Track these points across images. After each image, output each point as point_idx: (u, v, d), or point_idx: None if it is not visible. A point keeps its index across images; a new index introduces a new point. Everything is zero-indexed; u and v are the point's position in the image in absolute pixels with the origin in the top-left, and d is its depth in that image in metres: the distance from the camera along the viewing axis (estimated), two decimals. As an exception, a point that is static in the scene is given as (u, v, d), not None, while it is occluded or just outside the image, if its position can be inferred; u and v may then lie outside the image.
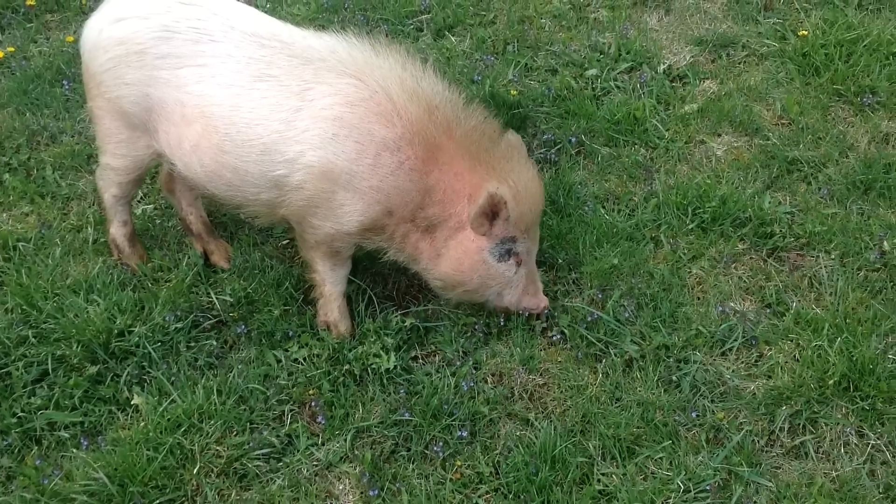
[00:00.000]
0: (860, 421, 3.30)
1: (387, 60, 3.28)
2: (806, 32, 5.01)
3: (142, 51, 3.31)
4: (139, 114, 3.40)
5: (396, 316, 3.67)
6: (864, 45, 4.84)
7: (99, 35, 3.39)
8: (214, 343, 3.60)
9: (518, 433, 3.33)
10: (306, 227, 3.39)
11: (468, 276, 3.40)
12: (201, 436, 3.26)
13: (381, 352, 3.55)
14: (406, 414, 3.34)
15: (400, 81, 3.22)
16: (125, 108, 3.42)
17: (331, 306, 3.60)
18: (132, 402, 3.39)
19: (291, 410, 3.39)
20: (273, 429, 3.32)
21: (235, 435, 3.29)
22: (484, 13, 5.56)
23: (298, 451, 3.26)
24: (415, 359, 3.62)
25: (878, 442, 3.23)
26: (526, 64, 5.13)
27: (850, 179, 4.22)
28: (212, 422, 3.29)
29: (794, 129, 4.55)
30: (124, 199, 3.80)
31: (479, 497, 3.13)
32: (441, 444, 3.25)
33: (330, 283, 3.57)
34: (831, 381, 3.36)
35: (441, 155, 3.24)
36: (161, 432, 3.25)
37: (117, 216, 3.83)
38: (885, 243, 3.88)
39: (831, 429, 3.30)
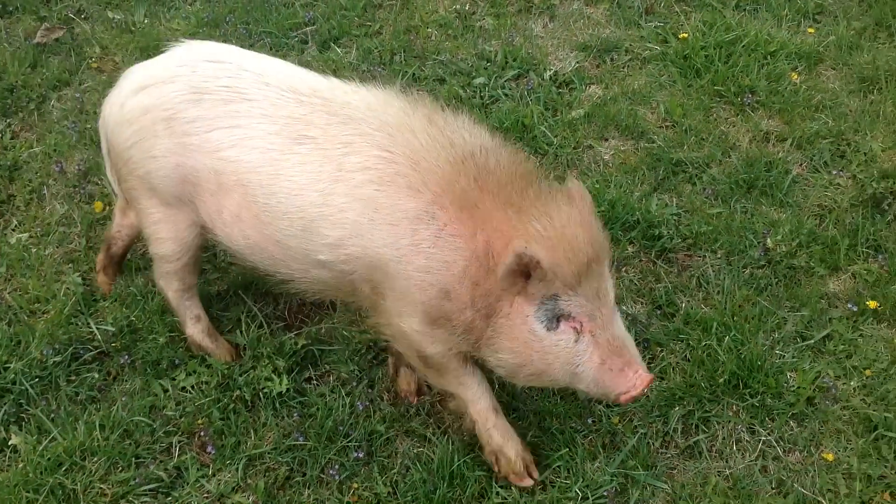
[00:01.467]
0: (751, 418, 3.34)
1: (414, 117, 2.89)
2: (686, 35, 5.10)
3: (170, 117, 2.99)
4: (171, 188, 3.08)
5: (289, 337, 3.58)
6: (743, 46, 4.95)
7: (122, 110, 3.09)
8: (96, 375, 3.46)
9: (416, 450, 3.28)
10: (389, 331, 3.00)
11: (524, 353, 2.76)
12: (84, 474, 3.13)
13: (272, 375, 3.46)
14: (300, 438, 3.26)
15: (427, 140, 2.83)
16: (155, 184, 3.09)
17: (486, 428, 3.08)
18: (10, 443, 3.23)
19: (180, 442, 3.28)
20: (160, 462, 3.20)
21: (120, 471, 3.16)
22: (370, 23, 5.50)
23: (188, 483, 3.15)
24: (308, 380, 3.54)
25: (769, 437, 3.29)
26: (413, 74, 5.09)
27: (734, 179, 4.30)
28: (95, 459, 3.17)
29: (678, 130, 4.62)
30: (189, 292, 3.44)
31: (382, 520, 3.08)
32: (337, 466, 3.18)
33: (470, 402, 3.07)
34: (721, 380, 3.41)
35: (478, 212, 2.75)
36: (41, 473, 3.11)
37: (188, 312, 3.47)
38: (769, 240, 3.95)
39: (723, 427, 3.34)
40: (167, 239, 3.25)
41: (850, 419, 3.32)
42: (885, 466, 3.13)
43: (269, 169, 2.90)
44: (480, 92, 4.94)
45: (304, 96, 2.95)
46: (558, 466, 3.21)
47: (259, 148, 2.91)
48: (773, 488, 3.15)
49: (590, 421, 3.34)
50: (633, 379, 2.72)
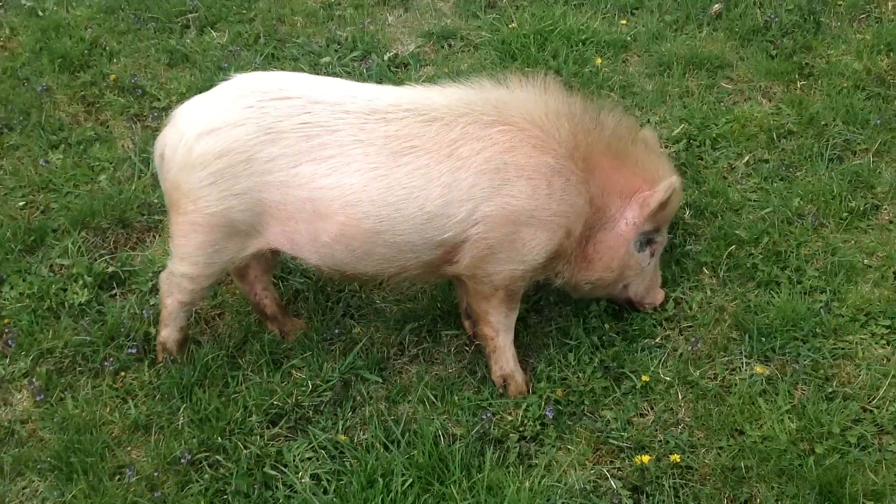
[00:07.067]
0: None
1: (521, 93, 3.41)
2: (514, 25, 5.70)
3: (248, 159, 3.23)
4: (249, 219, 3.34)
5: (101, 259, 4.21)
6: (558, 33, 5.54)
7: (189, 153, 3.26)
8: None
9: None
10: (482, 277, 3.42)
11: (615, 271, 3.58)
12: None
13: (79, 290, 4.06)
14: (87, 337, 3.85)
15: (543, 106, 3.35)
16: (234, 218, 3.32)
17: (506, 357, 3.62)
18: None
19: (-12, 337, 3.88)
20: (-37, 352, 3.81)
21: (-71, 356, 3.77)
22: (245, 11, 6.14)
23: (-18, 367, 3.75)
24: (113, 296, 4.13)
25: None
26: (272, 54, 5.72)
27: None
28: None
29: (490, 105, 5.20)
30: (190, 306, 3.71)
31: (135, 399, 3.66)
32: (112, 359, 3.77)
33: (504, 331, 3.58)
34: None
35: (592, 161, 3.40)
36: None
37: (176, 322, 3.70)
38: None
39: (449, 340, 3.91)
40: (213, 264, 3.48)
41: (551, 332, 3.88)
42: (566, 369, 3.69)
43: (379, 184, 3.21)
44: (325, 69, 5.55)
45: (387, 113, 3.26)
46: (302, 367, 3.78)
47: (360, 170, 3.21)
48: (476, 381, 3.71)
49: (336, 331, 3.92)
50: (660, 296, 3.85)
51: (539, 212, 3.30)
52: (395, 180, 3.21)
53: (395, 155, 3.22)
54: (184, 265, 3.52)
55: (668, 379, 3.59)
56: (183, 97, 4.94)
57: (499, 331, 3.57)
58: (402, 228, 3.27)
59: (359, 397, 3.66)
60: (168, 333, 3.75)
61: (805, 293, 3.87)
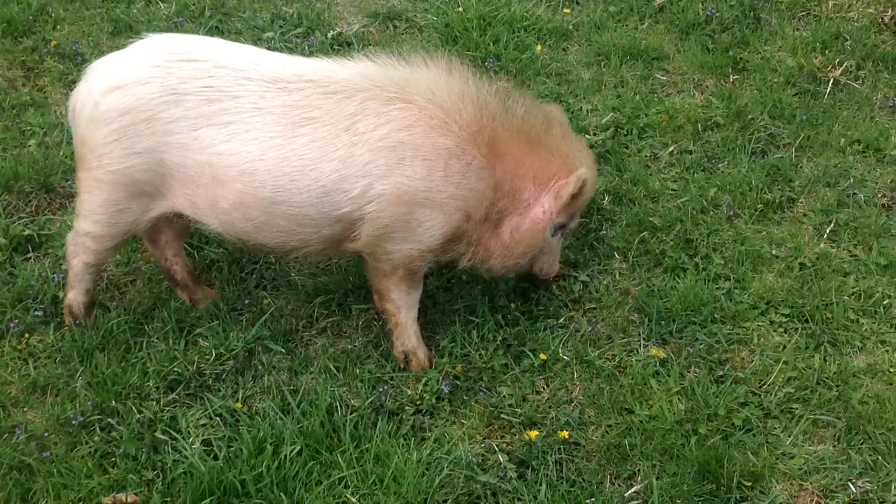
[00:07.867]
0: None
1: (427, 72, 3.36)
2: (460, 9, 5.71)
3: (150, 118, 3.21)
4: (152, 180, 3.33)
5: (18, 223, 4.21)
6: (501, 19, 5.56)
7: (95, 108, 3.25)
8: None
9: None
10: (380, 255, 3.42)
11: (529, 252, 3.55)
12: None
13: (-7, 252, 4.08)
14: (-2, 299, 3.87)
15: (446, 87, 3.31)
16: (136, 177, 3.32)
17: (408, 333, 3.62)
18: None
19: None
20: None
21: None
22: (193, -16, 6.13)
23: None
24: (28, 259, 4.14)
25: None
26: (216, 27, 5.72)
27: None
28: None
29: (427, 87, 5.22)
30: (95, 268, 3.68)
31: (36, 361, 3.67)
32: (17, 322, 3.78)
33: (406, 308, 3.57)
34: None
35: (499, 146, 3.36)
36: None
37: (81, 284, 3.69)
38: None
39: (359, 314, 3.93)
40: (116, 223, 3.46)
41: (458, 309, 3.91)
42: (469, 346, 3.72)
43: (275, 154, 3.19)
44: (267, 45, 5.54)
45: (289, 83, 3.24)
46: (208, 335, 3.79)
47: (259, 138, 3.19)
48: (379, 354, 3.75)
49: (247, 301, 3.93)
50: (557, 267, 3.80)
51: (434, 193, 3.28)
52: (292, 151, 3.21)
53: (293, 125, 3.21)
54: (87, 223, 3.52)
55: (566, 358, 3.63)
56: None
57: (400, 308, 3.58)
58: (298, 200, 3.26)
59: (261, 367, 3.68)
60: (74, 296, 3.74)
61: (709, 280, 3.91)
